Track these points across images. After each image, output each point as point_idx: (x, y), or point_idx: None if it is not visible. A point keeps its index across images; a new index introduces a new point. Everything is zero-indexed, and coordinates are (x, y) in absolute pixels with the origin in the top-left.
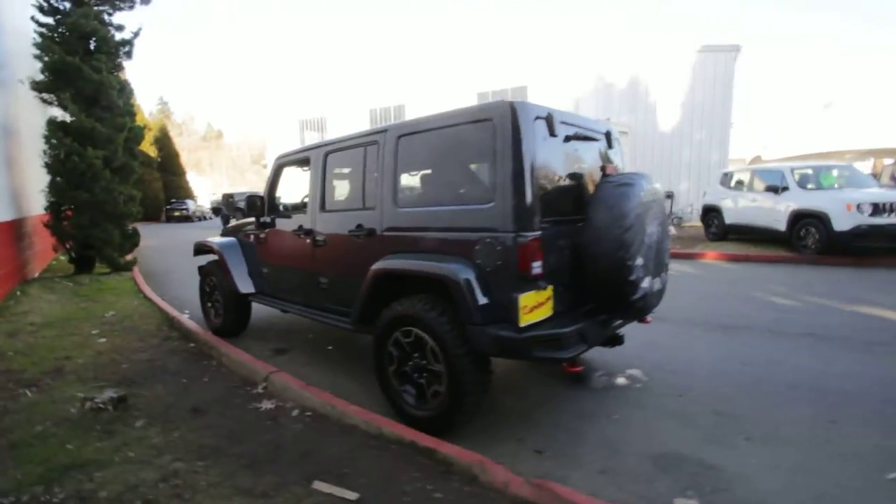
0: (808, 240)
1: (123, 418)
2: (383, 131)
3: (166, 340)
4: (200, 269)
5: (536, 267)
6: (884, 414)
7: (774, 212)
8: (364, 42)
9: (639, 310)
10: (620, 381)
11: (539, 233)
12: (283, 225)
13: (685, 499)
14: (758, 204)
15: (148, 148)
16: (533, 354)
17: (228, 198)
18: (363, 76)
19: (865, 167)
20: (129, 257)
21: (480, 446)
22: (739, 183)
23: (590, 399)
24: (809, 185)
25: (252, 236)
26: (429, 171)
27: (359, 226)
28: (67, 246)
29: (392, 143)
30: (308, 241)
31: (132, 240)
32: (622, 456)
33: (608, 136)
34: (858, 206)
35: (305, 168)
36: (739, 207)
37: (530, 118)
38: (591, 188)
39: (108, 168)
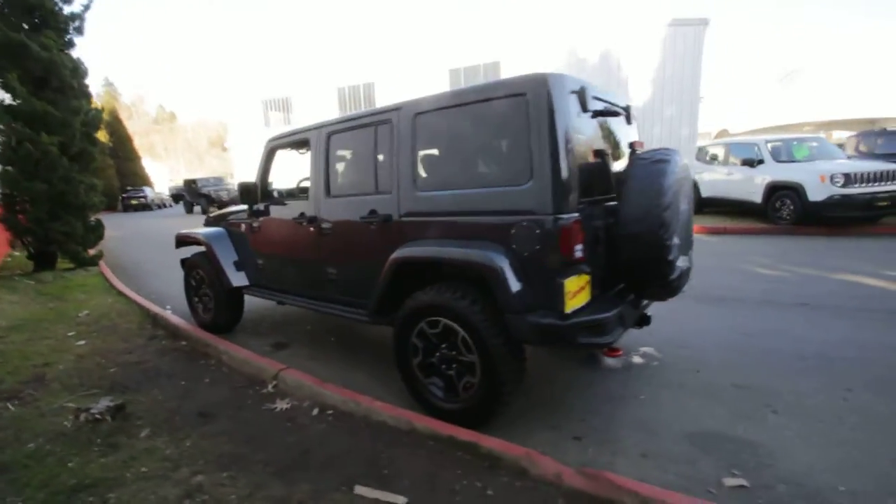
0: (784, 211)
1: (125, 429)
2: (396, 109)
3: (153, 340)
4: (184, 262)
5: (578, 250)
6: (892, 380)
7: (750, 184)
8: (330, 18)
9: (674, 289)
10: (637, 360)
11: (579, 214)
12: (280, 213)
13: (733, 478)
14: (733, 177)
15: (98, 132)
16: (578, 341)
17: (191, 184)
18: (330, 54)
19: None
20: (93, 251)
21: (516, 437)
22: (714, 157)
23: (613, 380)
24: (783, 158)
25: (243, 225)
26: (452, 152)
27: (372, 212)
28: (25, 241)
29: (408, 122)
30: (312, 229)
31: (96, 232)
32: (659, 437)
33: (627, 111)
34: (832, 178)
35: (302, 151)
36: (715, 181)
37: (566, 92)
38: (614, 166)
39: (66, 155)
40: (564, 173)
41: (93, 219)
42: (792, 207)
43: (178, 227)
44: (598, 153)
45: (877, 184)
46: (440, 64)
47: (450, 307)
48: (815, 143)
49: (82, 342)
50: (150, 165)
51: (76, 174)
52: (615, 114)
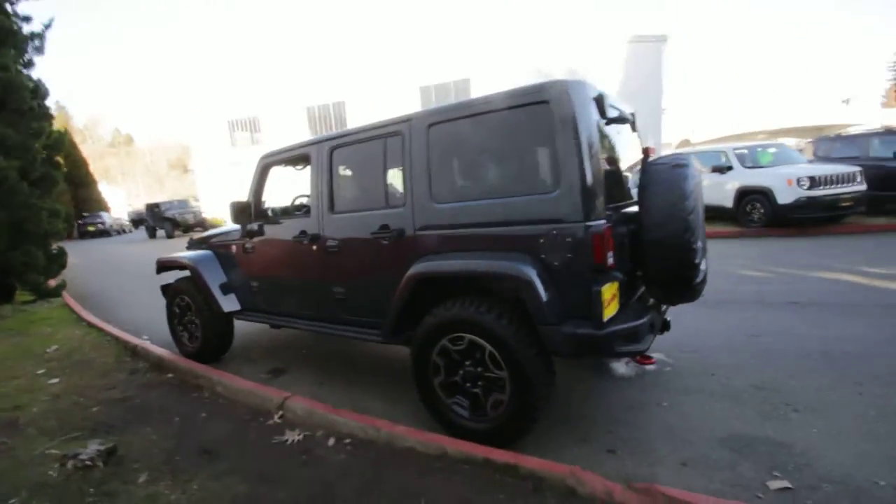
0: (755, 214)
1: (120, 475)
2: (407, 121)
3: (134, 374)
4: (165, 288)
5: (610, 257)
6: None
7: (721, 190)
8: (298, 36)
9: (697, 293)
10: (649, 366)
11: (607, 221)
12: (277, 232)
13: (776, 480)
14: (704, 184)
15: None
16: (615, 350)
17: (153, 208)
18: (298, 72)
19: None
20: (55, 281)
21: (547, 453)
22: None
23: (630, 388)
24: (749, 164)
25: (234, 247)
26: (469, 162)
27: (384, 227)
28: None
29: (421, 132)
30: (315, 248)
31: (58, 261)
32: (693, 444)
33: (633, 118)
34: (798, 181)
35: (300, 167)
36: None
37: (587, 98)
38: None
39: (26, 180)
40: (591, 180)
41: (55, 247)
42: (762, 210)
43: (142, 253)
44: (615, 159)
45: (840, 185)
46: (411, 82)
47: (476, 322)
48: (776, 149)
49: (55, 380)
50: (106, 190)
51: (37, 200)
52: (626, 121)
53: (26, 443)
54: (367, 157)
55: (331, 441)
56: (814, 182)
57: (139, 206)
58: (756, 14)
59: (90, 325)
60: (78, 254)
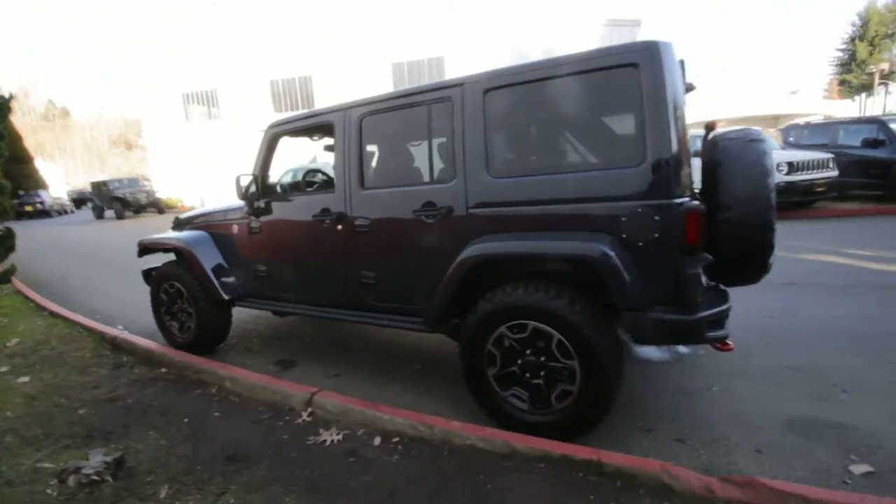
0: None
1: (135, 489)
2: (458, 85)
3: (119, 369)
4: (148, 273)
5: (700, 237)
6: None
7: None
8: (261, 3)
9: (765, 274)
10: (683, 350)
11: (692, 198)
12: (289, 210)
13: (857, 464)
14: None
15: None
16: (705, 336)
17: (101, 186)
18: (261, 43)
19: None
20: (1, 267)
21: (615, 445)
22: None
23: (671, 373)
24: None
25: (236, 227)
26: (536, 132)
27: (428, 204)
28: None
29: (476, 99)
30: (340, 227)
31: (5, 244)
32: (759, 430)
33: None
34: (777, 166)
35: (316, 137)
36: None
37: (675, 62)
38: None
39: None
40: (681, 153)
41: (1, 227)
42: None
43: (93, 236)
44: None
45: (814, 171)
46: (383, 58)
47: (544, 308)
48: None
49: (25, 379)
50: (41, 167)
51: None
52: (692, 90)
53: (9, 455)
54: (406, 126)
55: (376, 440)
56: (792, 167)
57: (79, 184)
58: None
59: (54, 314)
60: (19, 237)
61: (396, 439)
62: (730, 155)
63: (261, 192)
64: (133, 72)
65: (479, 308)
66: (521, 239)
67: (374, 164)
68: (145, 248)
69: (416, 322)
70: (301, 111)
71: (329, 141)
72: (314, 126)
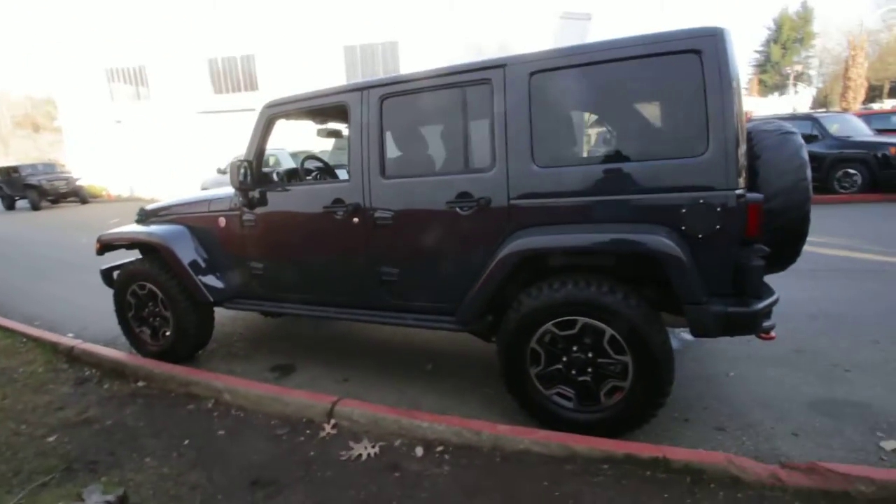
0: None
1: None
2: (499, 66)
3: (83, 385)
4: (108, 273)
5: (760, 229)
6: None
7: None
8: None
9: (794, 262)
10: (688, 337)
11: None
12: (290, 201)
13: (886, 440)
14: None
15: None
16: (762, 328)
17: (10, 172)
18: (199, 16)
19: None
20: None
21: (658, 437)
22: None
23: (685, 360)
24: None
25: (223, 220)
26: (585, 119)
27: (463, 195)
28: None
29: (520, 82)
30: (356, 220)
31: None
32: (788, 413)
33: None
34: None
35: (321, 120)
36: None
37: (734, 49)
38: None
39: None
40: (743, 143)
41: None
42: None
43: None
44: None
45: None
46: (334, 40)
47: (598, 304)
48: None
49: None
50: None
51: None
52: None
53: None
54: (436, 110)
55: (418, 451)
56: None
57: None
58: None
59: None
60: None
61: (440, 448)
62: (768, 147)
63: (255, 181)
64: (44, 44)
65: (524, 304)
66: (576, 232)
67: (396, 150)
68: (107, 245)
69: (447, 321)
70: (307, 91)
71: (324, 126)
72: (322, 107)
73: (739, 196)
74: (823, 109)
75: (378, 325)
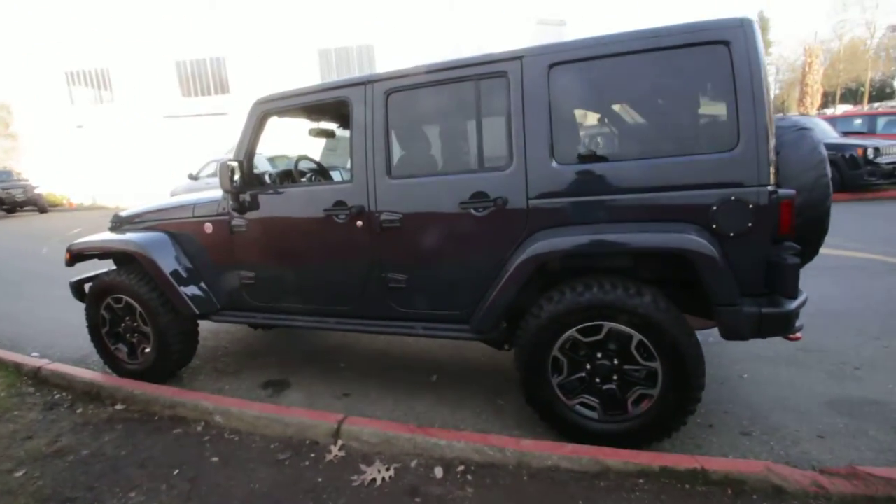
0: None
1: None
2: (515, 59)
3: (53, 410)
4: (80, 286)
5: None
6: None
7: None
8: None
9: (813, 258)
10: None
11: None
12: (285, 205)
13: None
14: None
15: None
16: (794, 329)
17: None
18: (166, 16)
19: None
20: None
21: (688, 446)
22: None
23: None
24: None
25: (209, 226)
26: (609, 114)
27: (478, 194)
28: None
29: (538, 75)
30: (360, 223)
31: None
32: (809, 414)
33: None
34: None
35: (318, 117)
36: None
37: (761, 41)
38: None
39: None
40: (772, 137)
41: None
42: None
43: None
44: None
45: None
46: (309, 42)
47: (625, 307)
48: None
49: None
50: None
51: None
52: None
53: None
54: (446, 105)
55: (438, 472)
56: None
57: None
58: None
59: None
60: None
61: (461, 468)
62: (785, 143)
63: (246, 183)
64: None
65: (545, 310)
66: (604, 232)
67: (404, 148)
68: (78, 255)
69: (460, 329)
70: (301, 86)
71: (315, 125)
72: (320, 104)
73: (772, 192)
74: (781, 114)
75: (373, 335)
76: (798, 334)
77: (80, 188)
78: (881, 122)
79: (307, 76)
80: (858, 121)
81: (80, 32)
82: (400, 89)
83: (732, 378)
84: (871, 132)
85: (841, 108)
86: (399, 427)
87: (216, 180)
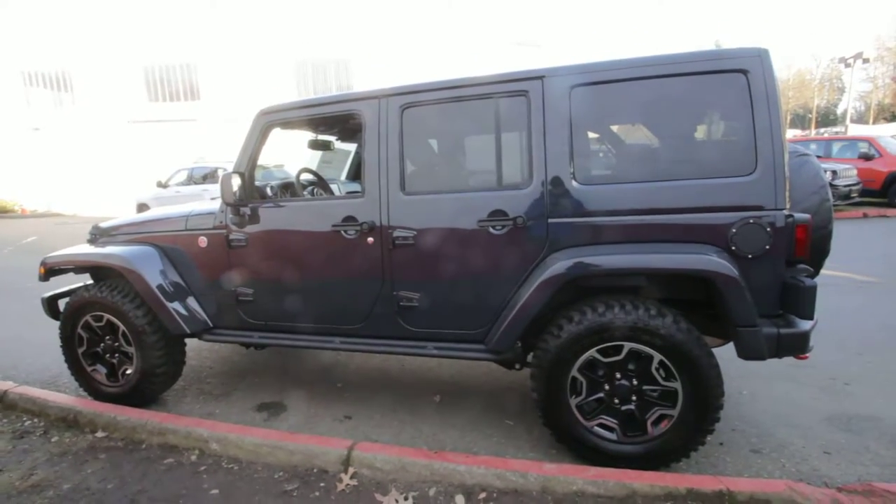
0: None
1: None
2: (537, 78)
3: (24, 438)
4: (55, 302)
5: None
6: (870, 340)
7: None
8: None
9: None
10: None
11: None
12: (289, 219)
13: None
14: None
15: None
16: (808, 349)
17: None
18: (132, 20)
19: None
20: None
21: (703, 465)
22: None
23: None
24: None
25: (203, 239)
26: (630, 135)
27: (497, 213)
28: None
29: (560, 95)
30: (371, 240)
31: None
32: (811, 430)
33: None
34: None
35: (324, 130)
36: None
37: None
38: None
39: None
40: (787, 163)
41: None
42: None
43: None
44: None
45: None
46: (285, 53)
47: (647, 328)
48: None
49: None
50: None
51: None
52: None
53: None
54: (465, 122)
55: (459, 500)
56: None
57: None
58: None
59: None
60: None
61: (483, 495)
62: (790, 169)
63: (247, 196)
64: None
65: (565, 330)
66: (626, 253)
67: (419, 164)
68: (53, 269)
69: (475, 350)
70: (305, 98)
71: (315, 137)
72: (328, 116)
73: (788, 216)
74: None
75: (362, 354)
76: (807, 354)
77: (34, 194)
78: (835, 147)
79: (282, 87)
80: (814, 146)
81: (40, 31)
82: (416, 105)
83: (733, 395)
84: (827, 156)
85: (790, 133)
86: (413, 452)
87: (187, 189)
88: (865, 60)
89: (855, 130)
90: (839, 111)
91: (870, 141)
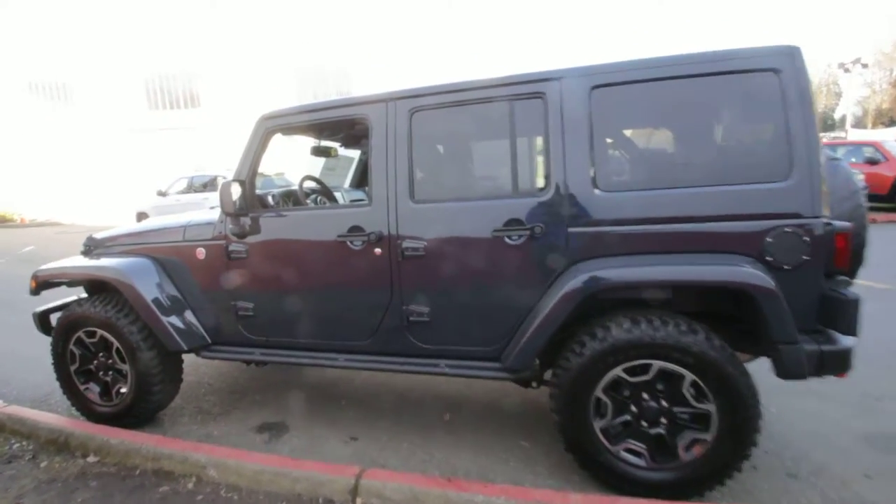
0: None
1: None
2: (554, 79)
3: (13, 462)
4: (47, 317)
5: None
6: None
7: None
8: None
9: None
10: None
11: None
12: (292, 229)
13: None
14: None
15: None
16: (850, 367)
17: None
18: (133, 30)
19: None
20: None
21: (734, 492)
22: None
23: None
24: None
25: (201, 251)
26: (655, 140)
27: (513, 222)
28: None
29: (579, 96)
30: (379, 251)
31: None
32: (848, 452)
33: None
34: None
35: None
36: None
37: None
38: None
39: None
40: (823, 168)
41: None
42: None
43: None
44: None
45: None
46: (285, 61)
47: (678, 345)
48: None
49: None
50: None
51: None
52: None
53: None
54: (477, 126)
55: None
56: None
57: None
58: None
59: None
60: None
61: None
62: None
63: (248, 205)
64: None
65: (588, 347)
66: (654, 264)
67: (428, 171)
68: (45, 282)
69: (491, 368)
70: (311, 102)
71: (318, 143)
72: (333, 121)
73: (827, 223)
74: None
75: (358, 371)
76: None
77: (33, 203)
78: (839, 151)
79: (283, 95)
80: None
81: (41, 41)
82: (426, 108)
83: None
84: None
85: None
86: (426, 481)
87: (186, 197)
88: (864, 66)
89: (855, 135)
90: (836, 116)
91: (875, 145)
